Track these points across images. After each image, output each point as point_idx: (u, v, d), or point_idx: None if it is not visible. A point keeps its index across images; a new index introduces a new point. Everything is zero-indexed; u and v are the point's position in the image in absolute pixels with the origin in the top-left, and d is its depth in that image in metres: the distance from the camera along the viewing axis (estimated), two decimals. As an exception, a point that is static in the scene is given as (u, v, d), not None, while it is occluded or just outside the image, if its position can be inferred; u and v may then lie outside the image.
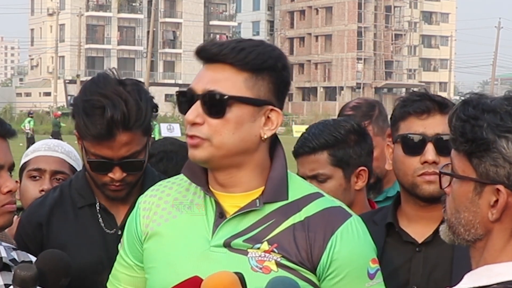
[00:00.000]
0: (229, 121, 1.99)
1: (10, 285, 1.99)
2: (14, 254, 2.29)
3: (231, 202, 2.06)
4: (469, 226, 1.64)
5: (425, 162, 2.44)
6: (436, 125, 2.45)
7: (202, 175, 2.09)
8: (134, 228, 2.19)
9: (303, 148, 2.74)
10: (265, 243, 2.02)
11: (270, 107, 2.02)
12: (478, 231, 1.64)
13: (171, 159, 3.27)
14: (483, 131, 1.60)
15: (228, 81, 1.99)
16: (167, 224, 2.11)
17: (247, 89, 2.00)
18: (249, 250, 2.02)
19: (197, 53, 2.03)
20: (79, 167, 3.04)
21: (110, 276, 2.29)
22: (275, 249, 2.01)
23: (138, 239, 2.17)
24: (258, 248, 2.01)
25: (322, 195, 2.10)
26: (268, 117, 2.03)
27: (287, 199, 2.06)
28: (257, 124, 2.02)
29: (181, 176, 2.17)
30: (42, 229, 2.65)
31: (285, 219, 2.04)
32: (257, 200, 2.04)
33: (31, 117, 36.05)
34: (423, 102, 2.47)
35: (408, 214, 2.53)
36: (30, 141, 30.27)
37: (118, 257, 2.26)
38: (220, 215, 2.05)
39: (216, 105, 1.98)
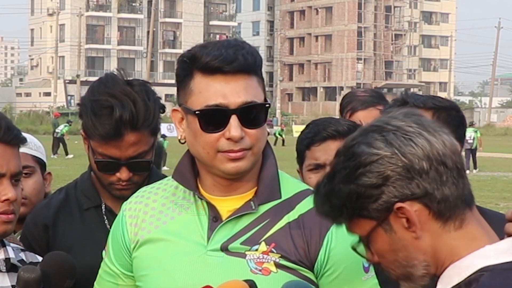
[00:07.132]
0: (263, 128, 2.01)
1: None
2: (22, 255, 2.26)
3: (225, 205, 2.05)
4: (411, 261, 1.59)
5: None
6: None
7: (192, 180, 2.08)
8: (121, 236, 2.15)
9: (327, 132, 2.74)
10: (263, 243, 2.01)
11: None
12: (420, 260, 1.58)
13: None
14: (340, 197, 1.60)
15: (258, 89, 2.00)
16: (158, 231, 2.09)
17: (263, 93, 2.03)
18: (246, 252, 2.00)
19: (218, 67, 1.93)
20: None
21: (95, 283, 2.26)
22: (273, 249, 2.00)
23: (126, 247, 2.14)
24: (256, 250, 2.00)
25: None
26: None
27: (280, 197, 2.06)
28: None
29: (164, 181, 2.18)
30: (48, 231, 2.64)
31: (279, 218, 2.04)
32: (251, 203, 2.03)
33: (69, 124, 36.08)
34: None
35: None
36: (64, 146, 33.16)
37: (103, 264, 2.24)
38: (215, 219, 2.04)
39: (258, 115, 1.99)
